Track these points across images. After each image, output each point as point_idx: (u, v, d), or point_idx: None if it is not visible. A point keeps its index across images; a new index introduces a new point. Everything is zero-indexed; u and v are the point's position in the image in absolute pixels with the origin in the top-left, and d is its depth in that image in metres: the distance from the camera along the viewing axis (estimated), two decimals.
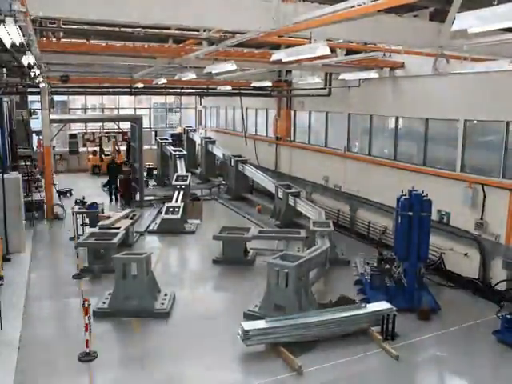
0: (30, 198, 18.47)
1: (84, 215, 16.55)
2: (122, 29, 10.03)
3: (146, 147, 24.43)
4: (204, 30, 9.76)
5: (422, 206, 11.28)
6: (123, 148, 29.69)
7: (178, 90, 25.96)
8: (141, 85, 22.52)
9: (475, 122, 13.11)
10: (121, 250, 12.74)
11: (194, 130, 30.69)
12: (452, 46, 9.43)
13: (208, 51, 10.87)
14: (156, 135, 31.14)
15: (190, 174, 21.61)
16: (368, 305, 10.51)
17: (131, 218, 16.11)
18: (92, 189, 24.56)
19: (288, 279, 10.22)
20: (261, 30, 7.87)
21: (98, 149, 29.58)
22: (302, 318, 9.76)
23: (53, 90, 21.29)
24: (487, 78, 11.97)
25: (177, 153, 23.82)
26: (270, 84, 21.33)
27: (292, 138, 22.65)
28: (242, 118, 26.17)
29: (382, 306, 10.28)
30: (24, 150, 21.98)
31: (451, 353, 9.64)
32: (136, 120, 22.58)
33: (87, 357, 9.03)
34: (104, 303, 11.05)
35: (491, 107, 12.27)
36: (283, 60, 9.85)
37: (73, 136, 30.72)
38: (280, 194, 18.52)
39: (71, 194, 22.96)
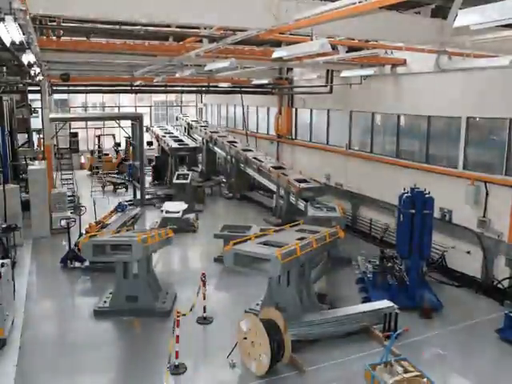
0: None
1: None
2: (123, 27, 9.98)
3: None
4: (204, 28, 9.72)
5: (424, 204, 11.25)
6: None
7: (179, 88, 25.94)
8: (141, 83, 22.52)
9: (478, 119, 13.05)
10: None
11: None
12: (454, 42, 9.38)
13: (208, 49, 10.82)
14: None
15: (191, 173, 21.60)
16: (370, 303, 10.52)
17: (133, 218, 16.09)
18: None
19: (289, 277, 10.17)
20: (261, 28, 7.83)
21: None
22: (304, 316, 9.73)
23: (53, 88, 21.26)
24: (490, 75, 11.91)
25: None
26: (271, 81, 21.33)
27: (293, 136, 22.61)
28: (243, 115, 26.13)
29: (384, 304, 10.26)
30: None
31: (453, 351, 9.62)
32: (137, 118, 22.55)
33: None
34: (105, 302, 11.05)
35: (494, 104, 12.20)
36: (284, 57, 9.80)
37: (73, 135, 30.74)
38: (281, 192, 18.49)
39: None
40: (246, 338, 8.66)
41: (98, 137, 30.70)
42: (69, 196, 19.09)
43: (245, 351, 8.70)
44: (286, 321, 8.66)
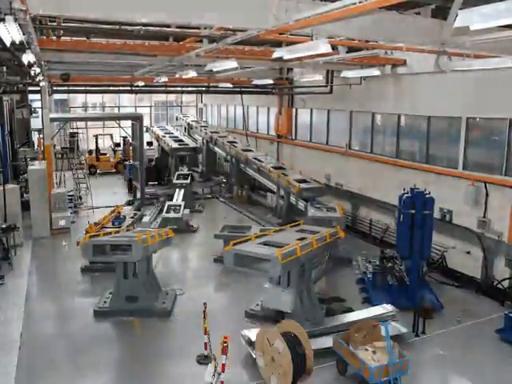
0: None
1: None
2: (122, 27, 9.97)
3: None
4: (205, 28, 9.71)
5: (424, 204, 11.26)
6: None
7: (179, 88, 25.94)
8: (141, 83, 22.50)
9: (478, 119, 13.05)
10: None
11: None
12: (454, 43, 9.37)
13: (209, 49, 10.82)
14: None
15: (191, 173, 21.60)
16: (370, 308, 10.56)
17: (132, 217, 16.07)
18: None
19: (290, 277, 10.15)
20: (261, 28, 7.82)
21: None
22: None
23: (53, 88, 21.25)
24: (489, 75, 11.91)
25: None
26: (271, 82, 21.32)
27: (293, 136, 22.61)
28: (244, 115, 26.13)
29: (383, 309, 10.31)
30: None
31: (453, 351, 9.62)
32: (137, 118, 22.55)
33: None
34: (105, 302, 11.05)
35: (494, 104, 12.20)
36: (284, 58, 9.79)
37: (73, 135, 30.81)
38: (281, 192, 18.48)
39: None
40: (264, 353, 8.21)
41: (96, 136, 30.86)
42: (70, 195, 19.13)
43: (264, 366, 8.22)
44: (306, 333, 8.36)
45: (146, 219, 17.37)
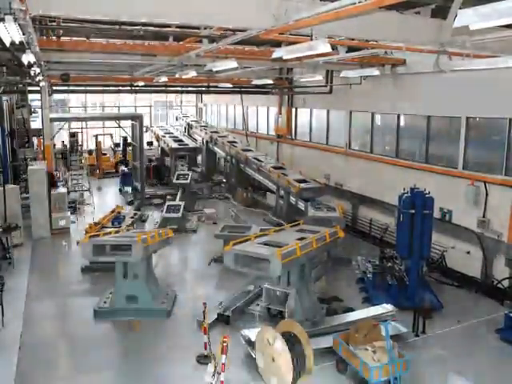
0: None
1: None
2: (122, 26, 9.98)
3: None
4: (204, 28, 9.71)
5: (424, 204, 11.26)
6: None
7: (179, 88, 25.96)
8: (141, 83, 22.50)
9: (478, 119, 13.05)
10: None
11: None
12: (454, 42, 9.38)
13: (208, 49, 10.82)
14: None
15: (191, 173, 21.60)
16: (369, 308, 10.56)
17: (132, 217, 16.07)
18: None
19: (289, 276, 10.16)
20: (261, 28, 7.83)
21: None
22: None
23: (53, 88, 21.24)
24: (489, 75, 11.90)
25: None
26: (271, 82, 21.32)
27: (293, 136, 22.61)
28: (243, 115, 26.13)
29: (383, 309, 10.30)
30: None
31: (453, 351, 9.61)
32: (136, 118, 22.54)
33: None
34: (105, 303, 11.05)
35: (493, 104, 12.20)
36: (284, 58, 9.79)
37: (73, 135, 30.77)
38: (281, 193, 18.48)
39: None
40: (264, 354, 8.22)
41: (96, 137, 30.73)
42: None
43: (264, 366, 8.27)
44: (307, 333, 8.39)
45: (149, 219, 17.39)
